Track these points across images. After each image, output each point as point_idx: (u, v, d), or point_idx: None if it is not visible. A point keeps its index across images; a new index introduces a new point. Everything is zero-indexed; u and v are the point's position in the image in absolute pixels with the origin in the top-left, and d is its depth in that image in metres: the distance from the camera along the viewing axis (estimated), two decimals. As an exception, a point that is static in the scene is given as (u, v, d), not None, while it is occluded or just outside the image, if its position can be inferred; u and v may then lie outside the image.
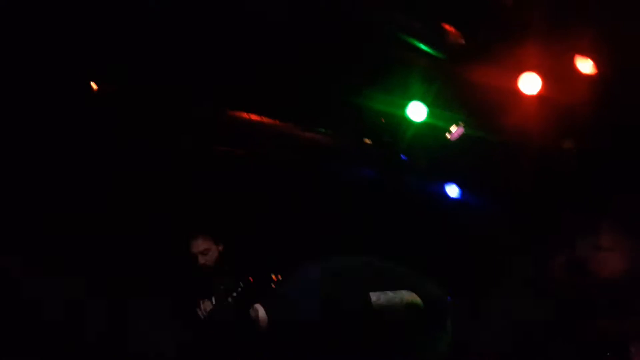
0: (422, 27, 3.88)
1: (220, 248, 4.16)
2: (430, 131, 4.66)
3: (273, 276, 4.52)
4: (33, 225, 4.02)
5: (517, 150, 4.63)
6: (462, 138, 4.64)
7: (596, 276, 4.85)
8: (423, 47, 3.99)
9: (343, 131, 4.85)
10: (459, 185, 5.00)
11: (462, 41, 4.00)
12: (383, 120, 4.71)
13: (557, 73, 4.22)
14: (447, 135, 4.68)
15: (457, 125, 4.63)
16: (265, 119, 4.47)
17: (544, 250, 4.89)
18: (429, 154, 4.86)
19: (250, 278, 4.05)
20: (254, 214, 4.74)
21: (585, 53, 4.14)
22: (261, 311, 2.65)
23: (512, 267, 4.94)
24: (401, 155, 4.89)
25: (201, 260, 4.10)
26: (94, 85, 3.75)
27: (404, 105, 4.53)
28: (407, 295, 2.81)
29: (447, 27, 3.97)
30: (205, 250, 4.10)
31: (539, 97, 4.29)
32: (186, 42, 3.78)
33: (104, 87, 3.80)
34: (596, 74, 4.15)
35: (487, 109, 4.45)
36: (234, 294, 3.98)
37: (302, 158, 4.71)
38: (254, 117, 4.34)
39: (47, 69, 3.61)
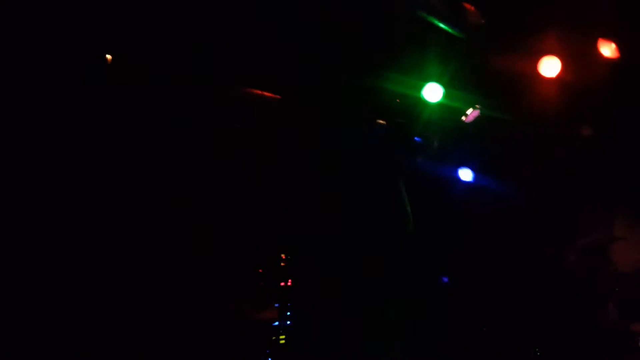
0: (442, 5, 3.79)
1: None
2: (445, 113, 4.58)
3: (282, 255, 4.52)
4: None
5: (533, 135, 4.56)
6: (477, 120, 4.57)
7: (610, 265, 4.81)
8: (441, 25, 3.91)
9: (357, 111, 4.79)
10: (473, 169, 4.93)
11: (482, 21, 3.92)
12: (398, 101, 4.64)
13: (578, 56, 4.15)
14: (463, 117, 4.62)
15: (474, 108, 4.56)
16: (279, 97, 4.42)
17: (557, 236, 4.85)
18: (444, 137, 4.79)
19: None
20: (263, 195, 4.70)
21: (607, 37, 4.05)
22: None
23: (525, 253, 4.89)
24: (415, 137, 4.82)
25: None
26: (108, 57, 3.70)
27: (420, 86, 4.45)
28: None
29: (467, 5, 3.89)
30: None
31: (559, 80, 4.22)
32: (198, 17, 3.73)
33: (118, 59, 3.75)
34: (617, 58, 4.07)
35: (504, 91, 4.37)
36: None
37: (315, 137, 4.65)
38: (267, 94, 4.29)
39: (61, 40, 3.58)
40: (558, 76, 4.21)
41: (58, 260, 3.76)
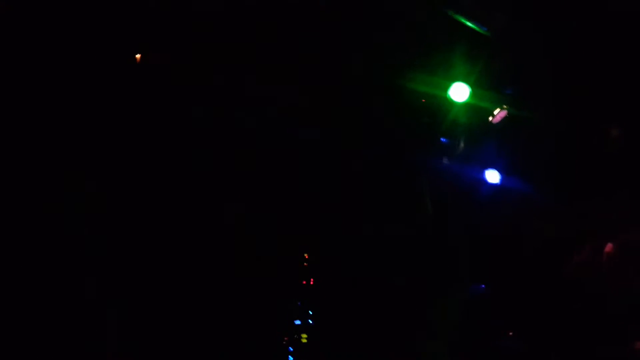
0: (470, 3, 3.76)
1: None
2: (472, 113, 4.53)
3: (306, 255, 4.52)
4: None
5: (563, 135, 4.48)
6: (505, 121, 4.50)
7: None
8: (469, 24, 3.87)
9: (382, 112, 4.76)
10: (500, 170, 4.86)
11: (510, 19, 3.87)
12: (424, 101, 4.60)
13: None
14: (490, 118, 4.56)
15: (501, 108, 4.49)
16: (301, 98, 4.42)
17: (589, 239, 4.73)
18: (470, 137, 4.74)
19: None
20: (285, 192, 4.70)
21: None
22: None
23: (554, 257, 4.79)
24: (441, 137, 4.78)
25: None
26: (137, 57, 3.75)
27: (446, 86, 4.41)
28: None
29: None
30: None
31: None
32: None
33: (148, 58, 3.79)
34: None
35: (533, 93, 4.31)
36: None
37: (341, 138, 4.64)
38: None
39: (91, 36, 3.62)
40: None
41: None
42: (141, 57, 3.85)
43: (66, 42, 3.54)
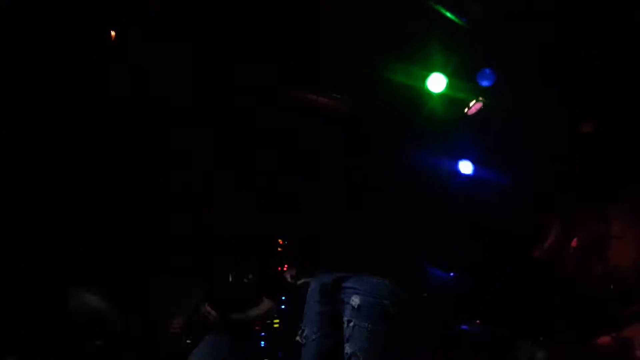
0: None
1: None
2: (447, 104, 4.56)
3: (280, 240, 4.52)
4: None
5: (535, 129, 4.55)
6: (480, 113, 4.56)
7: (606, 261, 4.79)
8: (447, 14, 3.90)
9: (358, 102, 4.76)
10: (473, 162, 4.92)
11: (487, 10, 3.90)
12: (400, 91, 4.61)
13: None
14: (465, 110, 4.61)
15: (477, 100, 4.55)
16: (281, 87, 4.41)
17: (555, 232, 4.83)
18: (446, 128, 4.77)
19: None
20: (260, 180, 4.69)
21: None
22: None
23: (521, 248, 4.88)
24: (417, 128, 4.80)
25: None
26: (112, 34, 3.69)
27: (423, 77, 4.44)
28: None
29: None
30: None
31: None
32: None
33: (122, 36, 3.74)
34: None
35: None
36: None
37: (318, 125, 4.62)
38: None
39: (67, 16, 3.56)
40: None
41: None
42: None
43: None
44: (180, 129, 4.21)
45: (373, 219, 2.91)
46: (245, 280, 3.86)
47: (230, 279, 3.87)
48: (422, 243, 3.19)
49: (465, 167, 4.94)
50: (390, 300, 2.51)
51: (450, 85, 4.41)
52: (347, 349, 2.41)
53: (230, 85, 4.15)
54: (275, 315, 4.33)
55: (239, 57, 4.16)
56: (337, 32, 4.16)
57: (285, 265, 4.44)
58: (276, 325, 4.33)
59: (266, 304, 3.86)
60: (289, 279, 3.90)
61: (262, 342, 4.27)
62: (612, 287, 4.62)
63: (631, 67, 4.08)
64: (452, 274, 4.92)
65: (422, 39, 4.29)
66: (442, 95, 4.50)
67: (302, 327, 2.62)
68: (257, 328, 4.31)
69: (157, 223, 4.19)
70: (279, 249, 4.45)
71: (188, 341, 3.70)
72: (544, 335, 4.50)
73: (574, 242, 4.59)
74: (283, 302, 4.40)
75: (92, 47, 3.73)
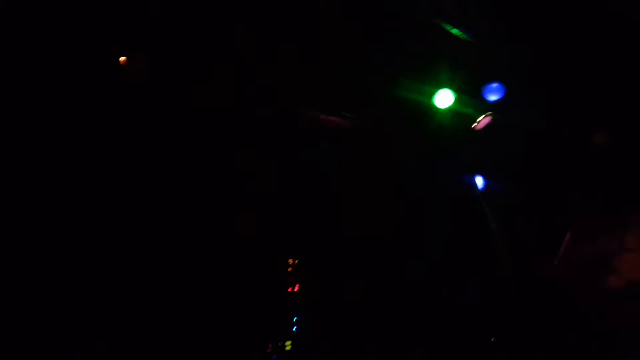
0: (455, 10, 3.77)
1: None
2: (456, 120, 4.55)
3: (290, 260, 4.49)
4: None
5: (546, 142, 4.52)
6: (489, 127, 4.54)
7: (619, 275, 4.73)
8: (454, 31, 3.90)
9: (366, 119, 4.76)
10: (484, 176, 4.89)
11: (495, 25, 3.90)
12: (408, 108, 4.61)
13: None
14: (474, 125, 4.59)
15: (485, 114, 4.53)
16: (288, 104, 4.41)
17: (566, 244, 4.78)
18: (455, 144, 4.76)
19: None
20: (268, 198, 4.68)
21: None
22: None
23: (532, 260, 4.83)
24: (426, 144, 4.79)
25: None
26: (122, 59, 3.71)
27: (431, 93, 4.43)
28: None
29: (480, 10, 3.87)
30: None
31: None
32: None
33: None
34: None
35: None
36: None
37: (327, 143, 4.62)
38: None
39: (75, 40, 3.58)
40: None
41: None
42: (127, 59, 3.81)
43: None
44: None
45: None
46: None
47: None
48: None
49: (477, 181, 4.91)
50: None
51: (458, 101, 4.40)
52: None
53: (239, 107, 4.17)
54: (288, 337, 4.30)
55: (246, 76, 4.18)
56: (343, 48, 4.17)
57: (297, 286, 4.42)
58: (288, 348, 4.29)
59: None
60: None
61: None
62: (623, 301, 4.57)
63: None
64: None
65: (428, 55, 4.30)
66: (449, 110, 4.49)
67: None
68: (269, 349, 4.28)
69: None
70: (288, 269, 4.42)
71: None
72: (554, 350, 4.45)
73: (582, 257, 4.55)
74: (295, 323, 4.37)
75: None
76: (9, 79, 3.49)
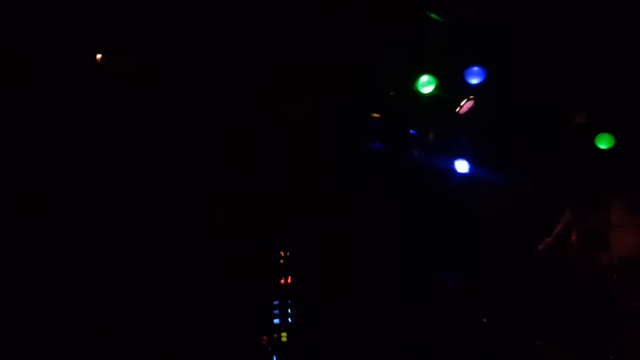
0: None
1: None
2: (440, 105, 4.57)
3: (282, 252, 4.48)
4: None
5: (529, 125, 4.56)
6: (472, 111, 4.56)
7: (608, 251, 4.80)
8: (435, 16, 3.90)
9: (351, 104, 4.76)
10: (469, 160, 4.91)
11: (475, 11, 3.91)
12: (392, 94, 4.62)
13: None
14: (457, 109, 4.60)
15: (468, 98, 4.55)
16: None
17: (554, 225, 4.84)
18: (439, 129, 4.78)
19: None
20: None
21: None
22: None
23: (523, 242, 4.88)
24: (410, 130, 4.81)
25: None
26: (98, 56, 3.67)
27: (414, 78, 4.44)
28: None
29: None
30: None
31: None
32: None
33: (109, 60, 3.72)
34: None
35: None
36: None
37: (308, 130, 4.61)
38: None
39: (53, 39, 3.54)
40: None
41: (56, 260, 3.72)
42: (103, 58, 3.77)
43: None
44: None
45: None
46: None
47: None
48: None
49: (462, 166, 4.93)
50: None
51: (440, 86, 4.41)
52: None
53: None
54: (282, 329, 4.30)
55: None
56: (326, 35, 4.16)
57: (289, 278, 4.42)
58: (284, 339, 4.29)
59: None
60: None
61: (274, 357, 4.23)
62: (615, 276, 4.64)
63: (623, 59, 4.10)
64: (456, 276, 4.92)
65: (411, 42, 4.30)
66: (432, 95, 4.51)
67: None
68: (264, 342, 4.28)
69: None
70: (280, 261, 4.42)
71: None
72: (550, 332, 4.50)
73: (574, 235, 4.61)
74: (290, 315, 4.37)
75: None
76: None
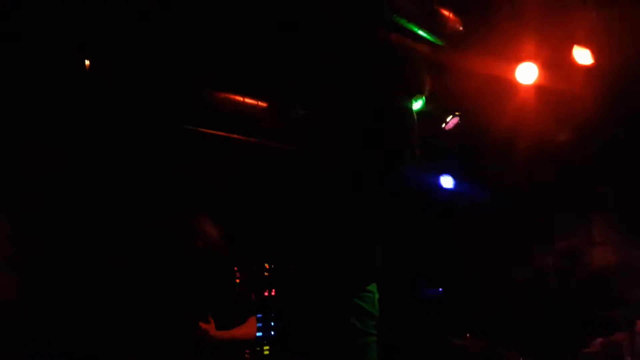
0: (419, 11, 3.82)
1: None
2: (426, 121, 4.60)
3: (266, 265, 4.47)
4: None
5: (513, 141, 4.60)
6: (457, 128, 4.61)
7: (589, 269, 4.86)
8: (420, 32, 3.93)
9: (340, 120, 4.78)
10: (454, 176, 4.97)
11: (460, 28, 3.96)
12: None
13: (555, 62, 4.21)
14: (443, 125, 4.65)
15: (453, 115, 4.60)
16: (258, 102, 4.42)
17: (536, 242, 4.89)
18: (425, 144, 4.81)
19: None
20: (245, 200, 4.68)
21: (583, 42, 4.12)
22: None
23: (504, 259, 4.92)
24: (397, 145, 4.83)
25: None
26: (87, 62, 3.67)
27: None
28: None
29: (445, 12, 3.92)
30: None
31: (536, 87, 4.28)
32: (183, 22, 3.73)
33: (97, 65, 3.73)
34: (594, 65, 4.14)
35: (483, 98, 4.41)
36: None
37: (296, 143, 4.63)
38: (248, 99, 4.29)
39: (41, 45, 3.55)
40: (536, 83, 4.28)
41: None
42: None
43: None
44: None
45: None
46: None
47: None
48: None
49: (446, 181, 4.98)
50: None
51: (426, 102, 4.45)
52: None
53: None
54: (265, 342, 4.27)
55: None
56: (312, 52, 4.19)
57: (273, 290, 4.40)
58: (266, 352, 4.26)
59: None
60: None
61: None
62: (595, 291, 4.69)
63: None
64: (440, 289, 4.94)
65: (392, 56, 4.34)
66: (419, 112, 4.54)
67: None
68: (247, 356, 4.24)
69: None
70: (265, 273, 4.40)
71: None
72: (533, 346, 4.52)
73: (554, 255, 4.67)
74: (273, 328, 4.35)
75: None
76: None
